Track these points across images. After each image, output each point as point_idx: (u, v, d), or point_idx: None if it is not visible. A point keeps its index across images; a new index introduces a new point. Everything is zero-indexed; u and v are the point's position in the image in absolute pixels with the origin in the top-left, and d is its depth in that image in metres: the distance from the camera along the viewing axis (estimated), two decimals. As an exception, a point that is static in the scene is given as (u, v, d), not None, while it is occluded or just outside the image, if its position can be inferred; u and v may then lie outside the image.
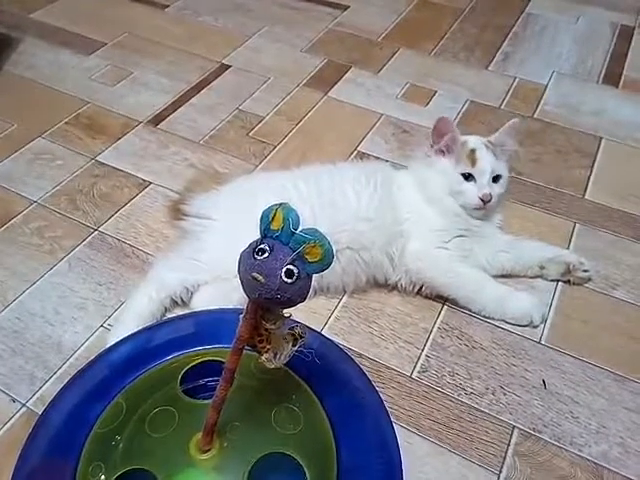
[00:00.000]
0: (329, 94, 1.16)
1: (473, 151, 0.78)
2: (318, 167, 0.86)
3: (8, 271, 0.81)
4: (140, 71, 1.20)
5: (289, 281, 0.42)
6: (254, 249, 0.43)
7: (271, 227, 0.43)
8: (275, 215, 0.43)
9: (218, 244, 0.77)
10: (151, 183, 0.95)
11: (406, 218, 0.77)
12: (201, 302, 0.74)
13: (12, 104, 1.11)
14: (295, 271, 0.42)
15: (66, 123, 1.06)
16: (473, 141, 0.79)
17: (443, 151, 0.79)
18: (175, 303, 0.75)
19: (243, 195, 0.81)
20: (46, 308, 0.76)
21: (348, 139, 1.06)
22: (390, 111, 1.12)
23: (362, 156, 1.01)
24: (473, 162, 0.77)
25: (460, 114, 1.12)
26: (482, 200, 0.76)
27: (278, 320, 0.49)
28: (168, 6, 1.42)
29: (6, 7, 1.37)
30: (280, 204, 0.43)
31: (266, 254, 0.42)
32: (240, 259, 0.43)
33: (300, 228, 0.42)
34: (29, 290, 0.78)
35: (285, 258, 0.42)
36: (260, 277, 0.42)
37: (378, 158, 1.00)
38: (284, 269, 0.42)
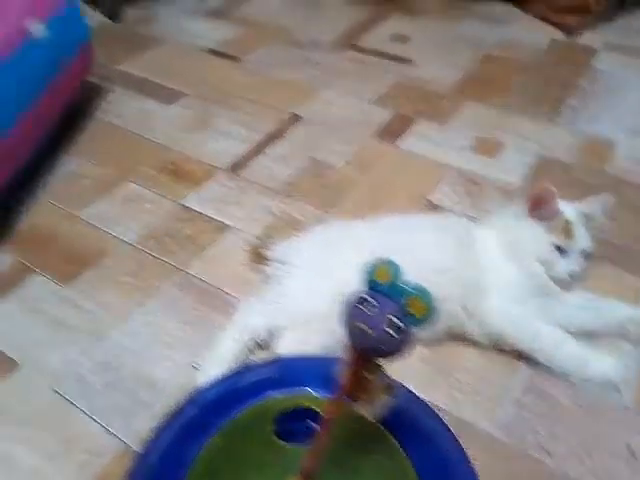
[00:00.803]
0: (397, 145, 1.21)
1: (569, 223, 0.78)
2: (394, 218, 0.89)
3: (102, 308, 0.86)
4: (219, 120, 1.28)
5: (393, 333, 0.44)
6: (359, 299, 0.46)
7: (376, 279, 0.46)
8: (380, 268, 0.46)
9: (299, 290, 0.80)
10: (233, 228, 1.00)
11: (486, 273, 0.78)
12: (284, 346, 0.77)
13: (104, 149, 1.20)
14: (399, 324, 0.44)
15: (153, 168, 1.14)
16: (569, 212, 0.79)
17: (536, 216, 0.80)
18: (259, 346, 0.78)
19: (323, 244, 0.85)
20: (138, 345, 0.81)
21: (417, 189, 1.09)
22: (458, 163, 1.15)
23: (433, 207, 1.04)
24: (568, 235, 0.78)
25: (530, 168, 1.13)
26: (570, 276, 0.78)
27: (377, 371, 0.51)
28: (243, 59, 1.51)
29: (96, 59, 1.50)
30: (384, 258, 0.46)
31: (371, 306, 0.45)
32: (345, 308, 0.46)
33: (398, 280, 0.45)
34: (121, 327, 0.83)
35: (390, 311, 0.44)
36: (365, 327, 0.45)
37: (449, 209, 1.03)
38: (389, 321, 0.44)
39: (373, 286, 0.46)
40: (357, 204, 1.06)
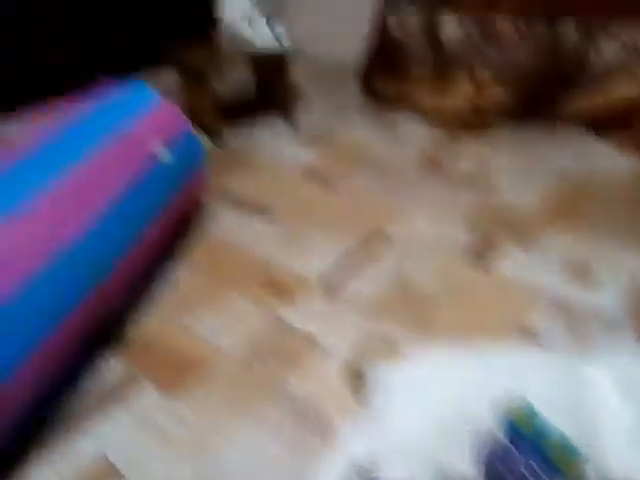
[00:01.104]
0: (486, 268, 1.23)
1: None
2: (493, 348, 0.89)
3: (204, 421, 0.89)
4: (311, 238, 1.36)
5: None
6: (500, 444, 0.46)
7: (517, 425, 0.46)
8: (519, 412, 0.46)
9: (407, 419, 0.80)
10: (327, 345, 1.03)
11: (600, 422, 0.75)
12: (389, 476, 0.76)
13: (207, 260, 1.29)
14: (543, 477, 0.44)
15: (252, 281, 1.21)
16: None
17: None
18: (361, 474, 0.77)
19: (429, 373, 0.85)
20: (240, 463, 0.82)
21: (510, 314, 1.09)
22: (550, 288, 1.15)
23: (527, 334, 1.03)
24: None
25: (626, 297, 1.12)
26: None
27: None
28: (333, 179, 1.62)
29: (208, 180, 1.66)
30: (520, 400, 0.47)
31: (512, 452, 0.45)
32: (481, 448, 0.46)
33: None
34: (223, 442, 0.85)
35: (533, 462, 0.44)
36: (506, 473, 0.45)
37: (545, 338, 1.02)
38: (532, 472, 0.44)
39: (512, 430, 0.46)
40: (449, 327, 1.07)
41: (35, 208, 0.87)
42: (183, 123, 1.30)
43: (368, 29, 2.23)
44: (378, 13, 2.13)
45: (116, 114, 1.17)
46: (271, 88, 2.04)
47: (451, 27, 1.91)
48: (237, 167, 1.71)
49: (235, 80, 2.28)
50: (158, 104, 1.26)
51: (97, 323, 0.99)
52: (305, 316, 1.11)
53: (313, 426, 0.87)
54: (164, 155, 1.19)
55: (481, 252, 1.28)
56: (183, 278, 1.23)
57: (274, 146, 1.84)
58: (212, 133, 1.86)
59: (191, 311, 1.13)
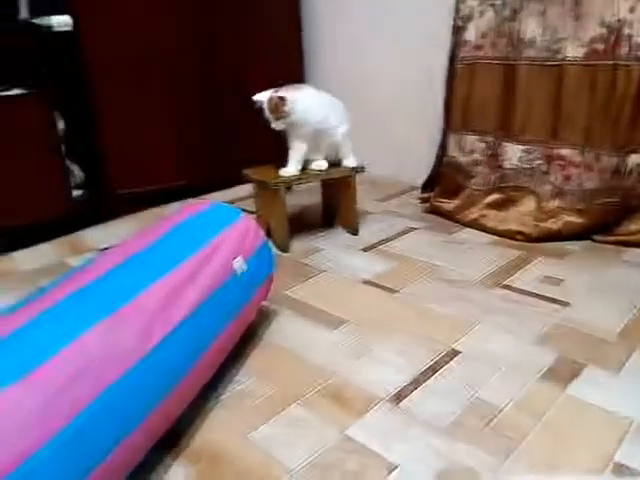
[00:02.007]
0: (567, 392, 1.15)
1: None
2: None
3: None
4: (377, 349, 1.33)
5: None
6: None
7: None
8: None
9: None
10: (400, 466, 0.97)
11: None
12: None
13: (271, 368, 1.28)
14: None
15: (316, 392, 1.18)
16: None
17: None
18: None
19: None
20: None
21: (599, 446, 0.99)
22: (642, 418, 1.05)
23: (622, 471, 0.93)
24: None
25: None
26: None
27: None
28: (397, 291, 1.62)
29: (267, 284, 1.70)
30: None
31: None
32: None
33: None
34: None
35: None
36: None
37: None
38: None
39: None
40: (532, 456, 0.98)
41: (124, 314, 0.92)
42: (260, 236, 1.37)
43: (431, 150, 2.35)
44: (441, 136, 2.25)
45: (199, 229, 1.25)
46: (336, 204, 2.13)
47: (514, 152, 1.98)
48: (301, 275, 1.75)
49: (303, 193, 2.42)
50: (238, 218, 1.34)
51: (165, 430, 0.98)
52: (375, 434, 1.05)
53: None
54: (241, 266, 1.24)
55: (562, 375, 1.20)
56: (247, 387, 1.21)
57: (337, 256, 1.89)
58: (279, 241, 1.94)
59: (255, 421, 1.10)
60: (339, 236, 2.07)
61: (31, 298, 0.95)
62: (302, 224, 2.20)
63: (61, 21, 2.01)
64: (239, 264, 1.24)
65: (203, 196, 2.61)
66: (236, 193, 2.65)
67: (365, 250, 1.93)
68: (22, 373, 0.74)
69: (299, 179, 1.90)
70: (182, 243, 1.17)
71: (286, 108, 1.81)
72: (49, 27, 2.00)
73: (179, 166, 2.48)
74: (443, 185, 2.21)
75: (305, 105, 1.85)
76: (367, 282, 1.69)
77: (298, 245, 2.00)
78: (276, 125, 1.85)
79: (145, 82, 2.29)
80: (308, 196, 2.47)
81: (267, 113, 1.84)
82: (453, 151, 2.14)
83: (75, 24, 2.04)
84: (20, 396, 0.72)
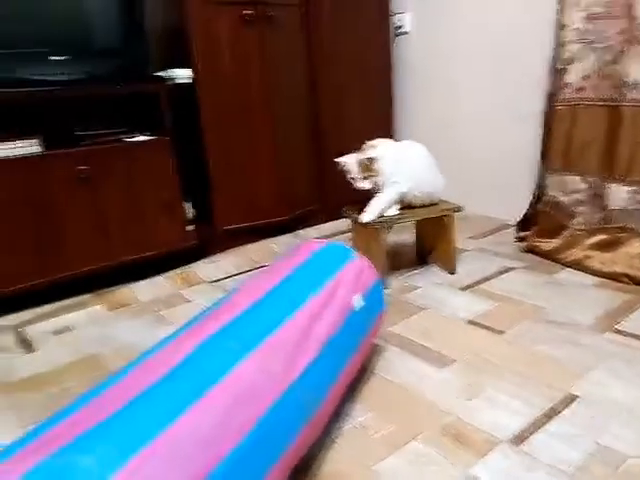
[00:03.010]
0: (700, 443, 1.11)
1: None
2: None
3: None
4: (490, 390, 1.35)
5: None
6: None
7: None
8: None
9: None
10: (528, 510, 0.98)
11: None
12: None
13: (385, 405, 1.32)
14: None
15: (435, 430, 1.21)
16: None
17: None
18: None
19: None
20: None
21: None
22: None
23: None
24: None
25: None
26: None
27: None
28: (504, 332, 1.63)
29: (371, 320, 1.76)
30: None
31: None
32: None
33: None
34: None
35: None
36: None
37: None
38: None
39: None
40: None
41: (272, 345, 1.00)
42: (373, 273, 1.44)
43: (525, 188, 2.36)
44: (538, 175, 2.25)
45: (320, 268, 1.33)
46: (431, 241, 2.17)
47: (619, 193, 1.95)
48: (402, 312, 1.80)
49: (395, 230, 2.48)
50: (353, 257, 1.42)
51: (296, 463, 1.05)
52: (500, 475, 1.07)
53: None
54: (359, 303, 1.32)
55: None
56: (366, 420, 1.27)
57: (436, 294, 1.92)
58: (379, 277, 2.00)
59: (378, 456, 1.15)
60: (435, 274, 2.11)
61: (180, 332, 1.06)
62: (396, 261, 2.26)
63: (183, 74, 2.23)
64: (357, 301, 1.32)
65: (301, 231, 2.74)
66: (333, 228, 2.76)
67: (464, 289, 1.95)
68: (196, 397, 0.84)
69: (400, 219, 1.97)
70: (307, 282, 1.26)
71: (375, 167, 1.88)
72: (173, 79, 2.22)
73: (280, 202, 2.62)
74: (542, 224, 2.20)
75: (393, 167, 1.92)
76: (470, 322, 1.71)
77: (395, 282, 2.05)
78: (363, 185, 1.93)
79: (250, 126, 2.47)
80: (401, 233, 2.53)
81: (353, 174, 1.92)
82: (553, 190, 2.14)
83: (194, 76, 2.26)
84: (197, 418, 0.81)
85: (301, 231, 2.76)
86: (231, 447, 0.82)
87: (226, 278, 2.21)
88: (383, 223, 1.95)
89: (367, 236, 2.04)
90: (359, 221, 1.96)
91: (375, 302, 1.43)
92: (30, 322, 1.91)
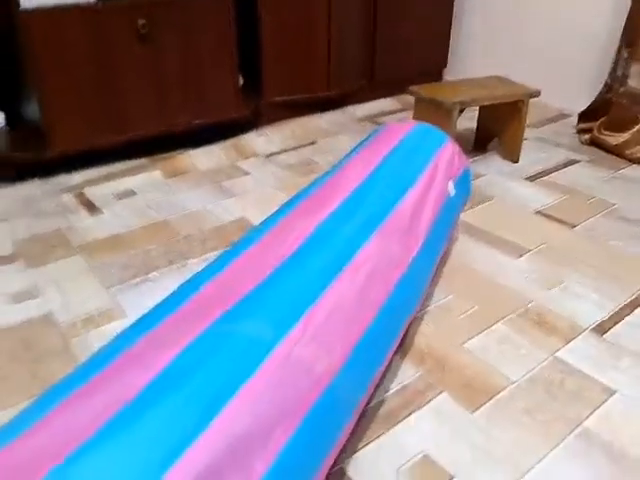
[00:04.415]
0: None
1: None
2: None
3: (509, 443, 0.94)
4: (569, 282, 1.37)
5: None
6: None
7: None
8: None
9: None
10: (615, 392, 1.04)
11: None
12: None
13: (468, 288, 1.35)
14: None
15: (518, 315, 1.26)
16: None
17: None
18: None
19: None
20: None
21: None
22: None
23: None
24: None
25: None
26: None
27: None
28: (576, 226, 1.62)
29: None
30: None
31: None
32: None
33: None
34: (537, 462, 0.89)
35: None
36: None
37: None
38: None
39: None
40: None
41: (388, 229, 0.99)
42: (463, 160, 1.40)
43: (592, 75, 2.22)
44: (614, 63, 2.10)
45: (417, 153, 1.29)
46: (497, 128, 2.09)
47: None
48: (470, 199, 1.78)
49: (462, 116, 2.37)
50: (446, 141, 1.37)
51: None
52: (586, 360, 1.12)
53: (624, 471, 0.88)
54: (452, 189, 1.29)
55: None
56: (449, 303, 1.30)
57: (501, 183, 1.89)
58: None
59: (467, 335, 1.20)
60: (497, 162, 2.06)
61: (286, 210, 1.03)
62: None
63: None
64: (451, 187, 1.29)
65: (349, 107, 2.62)
66: (382, 107, 2.64)
67: (529, 179, 1.92)
68: (334, 275, 0.84)
69: (474, 100, 1.87)
70: (408, 167, 1.21)
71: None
72: None
73: (328, 77, 2.48)
74: (612, 116, 2.10)
75: None
76: (540, 213, 1.70)
77: (457, 168, 2.01)
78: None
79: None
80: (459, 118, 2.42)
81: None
82: (634, 81, 2.01)
83: None
84: (340, 295, 0.82)
85: (350, 107, 2.64)
86: (369, 323, 0.84)
87: (279, 153, 2.16)
88: (456, 104, 1.86)
89: (434, 117, 1.95)
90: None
91: (464, 188, 1.40)
92: (91, 183, 1.89)
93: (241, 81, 2.28)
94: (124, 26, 1.81)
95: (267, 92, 2.37)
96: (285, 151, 2.17)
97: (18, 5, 1.63)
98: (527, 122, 2.41)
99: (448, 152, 1.35)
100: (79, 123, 1.84)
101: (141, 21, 1.82)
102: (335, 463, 0.91)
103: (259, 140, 2.27)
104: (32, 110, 1.88)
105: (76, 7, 1.72)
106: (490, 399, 1.03)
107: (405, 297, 0.95)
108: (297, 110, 2.50)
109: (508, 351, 1.15)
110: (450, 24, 2.81)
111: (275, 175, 1.96)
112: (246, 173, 1.98)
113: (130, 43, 1.84)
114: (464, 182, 1.39)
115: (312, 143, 2.24)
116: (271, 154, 2.14)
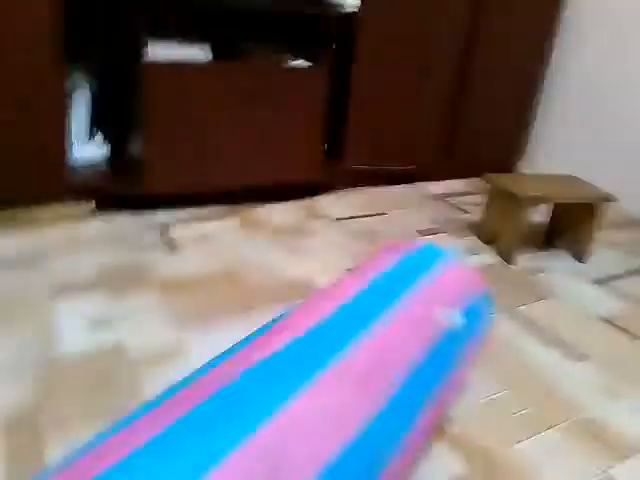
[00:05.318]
0: None
1: None
2: None
3: None
4: (628, 396, 1.34)
5: None
6: None
7: None
8: None
9: None
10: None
11: None
12: None
13: (523, 387, 1.35)
14: None
15: (572, 423, 1.24)
16: None
17: None
18: None
19: None
20: None
21: None
22: None
23: None
24: None
25: None
26: None
27: None
28: (637, 336, 1.59)
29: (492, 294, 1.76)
30: None
31: None
32: None
33: None
34: None
35: None
36: None
37: None
38: None
39: None
40: None
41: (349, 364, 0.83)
42: (479, 284, 1.19)
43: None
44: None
45: (411, 277, 1.09)
46: (568, 226, 2.10)
47: None
48: (530, 293, 1.78)
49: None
50: (453, 264, 1.18)
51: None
52: (639, 483, 1.09)
53: None
54: (458, 322, 1.09)
55: None
56: (503, 398, 1.30)
57: (566, 282, 1.88)
58: (506, 252, 1.98)
59: (518, 436, 1.19)
60: (564, 260, 2.05)
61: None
62: (524, 239, 2.21)
63: (352, 3, 2.16)
64: (454, 318, 1.06)
65: (424, 183, 2.71)
66: (454, 187, 2.71)
67: (596, 282, 1.90)
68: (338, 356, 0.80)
69: (548, 197, 1.91)
70: (391, 292, 1.02)
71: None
72: (340, 6, 2.16)
73: (407, 151, 2.59)
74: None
75: None
76: (604, 320, 1.68)
77: (522, 260, 2.02)
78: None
79: (396, 70, 2.40)
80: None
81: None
82: None
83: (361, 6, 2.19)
84: (333, 382, 0.77)
85: (424, 184, 2.73)
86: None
87: (349, 218, 2.25)
88: (530, 198, 1.90)
89: (507, 207, 1.99)
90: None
91: (481, 318, 1.14)
92: (175, 224, 2.03)
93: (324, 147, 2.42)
94: (230, 85, 2.00)
95: (347, 160, 2.50)
96: (354, 217, 2.26)
97: (143, 58, 1.85)
98: (601, 225, 2.41)
99: (455, 274, 1.14)
100: (174, 167, 2.01)
101: (246, 82, 2.00)
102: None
103: (332, 204, 2.38)
104: (134, 147, 2.08)
105: (192, 64, 1.92)
106: (535, 507, 1.02)
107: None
108: (373, 180, 2.61)
109: (558, 459, 1.13)
110: (531, 116, 2.89)
111: (341, 240, 2.04)
112: (315, 233, 2.07)
113: (233, 101, 2.02)
114: (480, 309, 1.14)
115: (382, 214, 2.32)
116: (341, 218, 2.23)
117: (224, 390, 0.71)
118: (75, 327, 1.39)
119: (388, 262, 1.11)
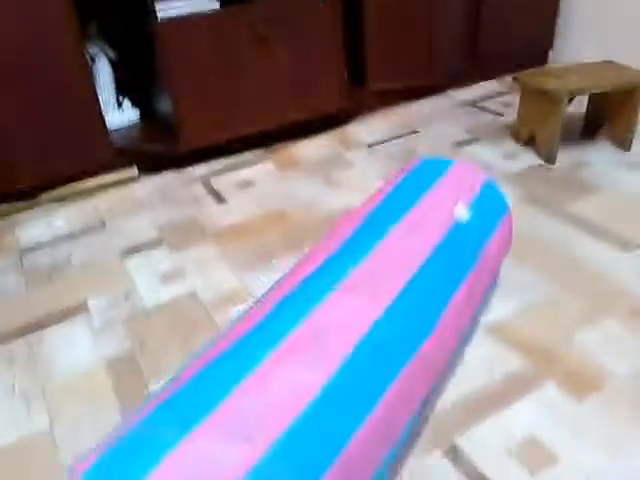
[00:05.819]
0: None
1: None
2: None
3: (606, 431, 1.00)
4: (683, 277, 1.37)
5: None
6: None
7: None
8: None
9: None
10: None
11: None
12: None
13: (574, 282, 1.39)
14: None
15: (630, 313, 1.28)
16: None
17: None
18: None
19: None
20: None
21: None
22: None
23: None
24: None
25: None
26: None
27: None
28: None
29: (537, 196, 1.76)
30: None
31: None
32: None
33: None
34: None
35: None
36: None
37: None
38: None
39: None
40: None
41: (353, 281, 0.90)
42: (482, 180, 1.22)
43: None
44: None
45: (417, 186, 1.16)
46: (608, 114, 2.04)
47: None
48: (576, 190, 1.78)
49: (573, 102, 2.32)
50: (453, 167, 1.23)
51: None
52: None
53: None
54: (464, 215, 1.13)
55: None
56: (560, 295, 1.35)
57: (612, 173, 1.86)
58: (547, 152, 1.95)
59: (575, 329, 1.25)
60: (607, 151, 2.01)
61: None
62: (561, 134, 2.16)
63: None
64: (461, 212, 1.12)
65: (451, 91, 2.65)
66: (486, 90, 2.64)
67: (633, 166, 1.87)
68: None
69: (584, 89, 1.85)
70: (401, 204, 1.09)
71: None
72: None
73: (431, 62, 2.51)
74: None
75: None
76: (653, 205, 1.67)
77: (563, 157, 1.99)
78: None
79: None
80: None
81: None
82: None
83: None
84: None
85: (452, 92, 2.67)
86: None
87: (382, 143, 2.25)
88: (565, 93, 1.84)
89: (541, 106, 1.95)
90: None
91: (486, 209, 1.17)
92: (215, 175, 2.09)
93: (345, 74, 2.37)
94: (244, 29, 1.97)
95: (370, 81, 2.45)
96: (387, 141, 2.26)
97: (156, 16, 1.84)
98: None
99: (460, 175, 1.19)
100: (204, 120, 2.04)
101: (259, 23, 1.97)
102: (448, 440, 1.02)
103: (362, 130, 2.37)
104: (163, 108, 2.11)
105: (202, 14, 1.90)
106: (596, 391, 1.09)
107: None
108: (399, 97, 2.57)
109: (620, 349, 1.19)
110: (558, 4, 2.72)
111: (378, 165, 2.06)
112: (350, 163, 2.09)
113: (249, 44, 2.00)
114: (486, 200, 1.17)
115: (414, 132, 2.31)
116: (373, 144, 2.24)
117: (284, 300, 0.88)
118: (150, 282, 1.51)
119: (393, 184, 1.20)
